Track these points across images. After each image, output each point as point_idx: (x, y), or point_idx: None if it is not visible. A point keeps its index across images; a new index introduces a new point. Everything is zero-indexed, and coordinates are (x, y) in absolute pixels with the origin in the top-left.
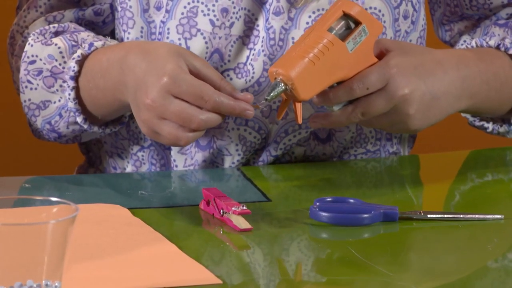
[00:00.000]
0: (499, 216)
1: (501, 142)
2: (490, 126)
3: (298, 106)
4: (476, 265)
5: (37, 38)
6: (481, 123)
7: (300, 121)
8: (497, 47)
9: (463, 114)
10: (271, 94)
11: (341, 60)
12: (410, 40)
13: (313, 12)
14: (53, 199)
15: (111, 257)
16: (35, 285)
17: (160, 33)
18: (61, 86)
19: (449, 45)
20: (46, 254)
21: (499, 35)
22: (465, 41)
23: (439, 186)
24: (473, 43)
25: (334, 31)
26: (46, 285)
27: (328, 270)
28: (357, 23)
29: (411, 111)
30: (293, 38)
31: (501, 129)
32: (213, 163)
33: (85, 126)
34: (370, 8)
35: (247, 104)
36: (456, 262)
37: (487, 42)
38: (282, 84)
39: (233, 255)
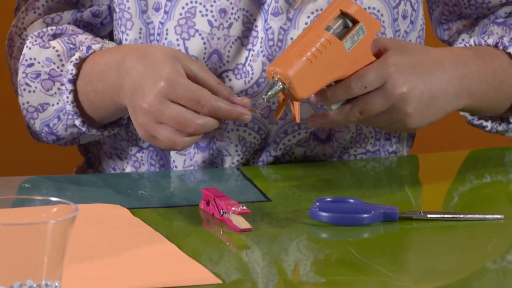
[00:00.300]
0: (499, 216)
1: (500, 142)
2: (488, 124)
3: (296, 105)
4: (475, 266)
5: (35, 40)
6: (480, 121)
7: (298, 120)
8: (496, 46)
9: (461, 113)
10: (269, 93)
11: (339, 59)
12: (410, 40)
13: (312, 13)
14: (53, 199)
15: (111, 257)
16: (35, 285)
17: (158, 34)
18: (59, 89)
19: (447, 44)
20: (46, 254)
21: (497, 33)
22: (463, 39)
23: (438, 186)
24: (472, 42)
25: (332, 30)
26: (46, 285)
27: (327, 270)
28: (355, 22)
29: (409, 110)
30: (291, 39)
31: (500, 128)
32: (212, 164)
33: (83, 129)
34: (369, 8)
35: (244, 108)
36: (456, 262)
37: (485, 41)
38: (280, 83)
39: (232, 255)
